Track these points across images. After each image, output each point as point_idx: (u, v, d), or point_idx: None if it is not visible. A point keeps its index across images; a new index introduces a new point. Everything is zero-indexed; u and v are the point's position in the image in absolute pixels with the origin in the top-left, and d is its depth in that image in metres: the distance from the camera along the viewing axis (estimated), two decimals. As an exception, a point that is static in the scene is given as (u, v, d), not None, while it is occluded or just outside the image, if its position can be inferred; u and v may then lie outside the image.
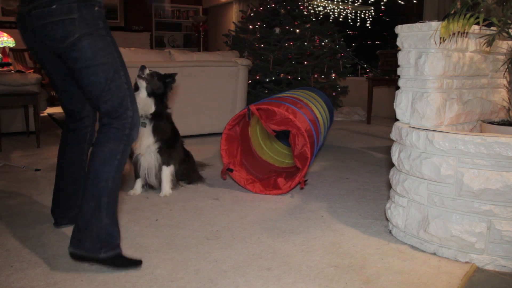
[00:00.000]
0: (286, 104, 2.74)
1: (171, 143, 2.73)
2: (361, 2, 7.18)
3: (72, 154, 2.07)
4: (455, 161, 1.79)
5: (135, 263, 1.76)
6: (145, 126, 2.60)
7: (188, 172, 2.93)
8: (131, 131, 1.74)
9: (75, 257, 1.71)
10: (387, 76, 5.65)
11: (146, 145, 2.64)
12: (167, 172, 2.71)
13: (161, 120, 2.67)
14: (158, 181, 2.74)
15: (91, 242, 1.67)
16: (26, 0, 1.67)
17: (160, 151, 2.68)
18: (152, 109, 2.62)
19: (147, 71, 2.61)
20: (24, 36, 1.78)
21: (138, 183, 2.75)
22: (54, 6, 1.60)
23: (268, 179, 2.88)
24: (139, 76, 2.59)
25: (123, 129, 1.72)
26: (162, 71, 4.19)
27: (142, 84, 2.60)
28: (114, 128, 1.71)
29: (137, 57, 4.21)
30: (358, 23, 7.62)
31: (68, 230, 2.14)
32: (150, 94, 2.61)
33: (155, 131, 2.64)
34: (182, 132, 4.66)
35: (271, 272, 1.74)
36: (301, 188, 2.82)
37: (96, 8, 1.66)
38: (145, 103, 2.60)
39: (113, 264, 1.72)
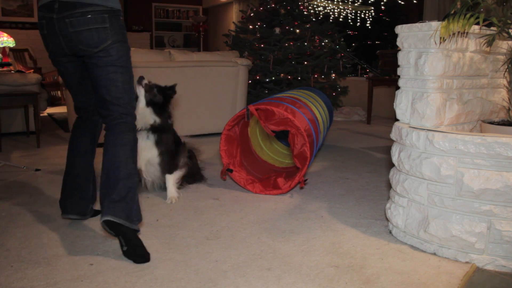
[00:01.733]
0: (285, 104, 2.74)
1: (173, 153, 2.66)
2: (361, 2, 7.18)
3: (84, 142, 2.16)
4: (455, 161, 1.79)
5: (147, 256, 1.86)
6: (147, 139, 2.54)
7: (192, 172, 2.92)
8: (135, 128, 2.00)
9: (111, 224, 1.83)
10: (387, 76, 5.65)
11: (147, 158, 2.59)
12: (172, 180, 2.63)
13: (163, 133, 2.60)
14: (164, 188, 2.69)
15: (129, 213, 1.86)
16: (54, 7, 1.81)
17: (163, 162, 2.61)
18: (151, 120, 2.56)
19: (145, 81, 2.58)
20: (48, 39, 1.92)
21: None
22: (89, 16, 1.79)
23: (268, 179, 2.88)
24: (138, 83, 2.55)
25: (132, 122, 1.96)
26: (162, 71, 4.21)
27: (141, 91, 2.55)
28: (125, 123, 1.93)
29: (137, 57, 4.20)
30: (358, 23, 7.62)
31: (69, 230, 2.14)
32: (148, 103, 2.55)
33: (158, 145, 2.58)
34: (182, 132, 4.64)
35: (271, 272, 1.74)
36: (301, 188, 2.82)
37: (122, 19, 1.90)
38: (144, 113, 2.54)
39: (136, 238, 1.86)
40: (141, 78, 2.58)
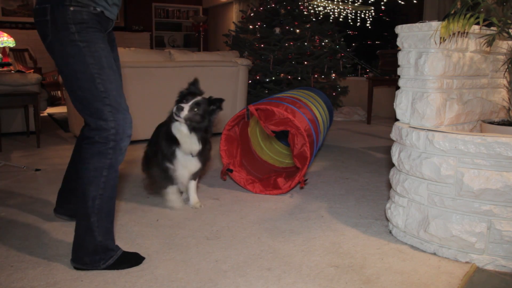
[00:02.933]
0: (285, 104, 2.74)
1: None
2: (361, 2, 7.18)
3: None
4: (455, 161, 1.79)
5: (138, 259, 1.80)
6: (192, 156, 2.37)
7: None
8: (116, 143, 1.64)
9: (79, 269, 1.75)
10: (387, 76, 5.65)
11: (191, 172, 2.44)
12: (194, 184, 2.53)
13: (206, 148, 2.41)
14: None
15: (89, 257, 1.72)
16: None
17: (198, 172, 2.50)
18: (197, 145, 2.31)
19: (184, 113, 2.21)
20: None
21: (176, 194, 2.50)
22: (36, 6, 1.60)
23: (268, 179, 2.88)
24: (176, 115, 2.22)
25: (106, 143, 1.62)
26: (162, 71, 4.21)
27: (181, 122, 2.27)
28: (96, 143, 1.62)
29: (137, 57, 4.21)
30: (358, 23, 7.62)
31: (69, 230, 2.14)
32: (192, 129, 2.28)
33: (202, 160, 2.42)
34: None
35: (271, 272, 1.74)
36: (301, 188, 2.82)
37: (71, 9, 1.54)
38: (187, 139, 2.29)
39: (118, 268, 1.74)
40: (179, 109, 2.20)
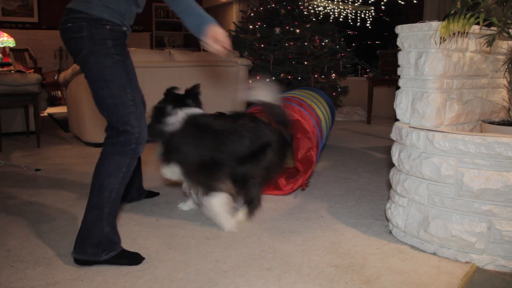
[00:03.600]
0: (294, 106, 2.69)
1: None
2: (361, 2, 7.18)
3: None
4: (455, 161, 1.79)
5: (138, 258, 1.82)
6: None
7: None
8: (137, 146, 1.79)
9: (78, 261, 1.78)
10: (387, 76, 5.66)
11: None
12: None
13: None
14: None
15: (93, 248, 1.76)
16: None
17: None
18: None
19: None
20: None
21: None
22: (69, 24, 1.73)
23: None
24: None
25: (129, 144, 1.77)
26: (162, 71, 4.20)
27: None
28: (120, 142, 1.77)
29: (137, 57, 4.20)
30: (358, 23, 7.62)
31: (69, 230, 2.14)
32: None
33: None
34: (182, 132, 4.61)
35: (271, 272, 1.74)
36: (303, 190, 2.82)
37: (108, 27, 1.73)
38: None
39: (116, 263, 1.78)
40: None
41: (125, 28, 1.83)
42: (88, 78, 1.78)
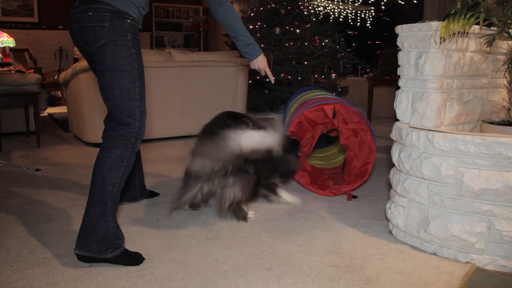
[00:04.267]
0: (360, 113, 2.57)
1: None
2: (361, 2, 7.18)
3: None
4: (455, 161, 1.79)
5: (140, 258, 1.82)
6: None
7: None
8: (136, 140, 1.81)
9: (82, 258, 1.78)
10: (387, 76, 5.66)
11: None
12: None
13: None
14: None
15: (98, 244, 1.75)
16: (75, 6, 1.82)
17: None
18: None
19: None
20: (71, 36, 1.91)
21: None
22: (90, 13, 1.75)
23: (319, 175, 2.84)
24: None
25: (129, 137, 1.79)
26: (162, 71, 4.21)
27: None
28: (120, 135, 1.78)
29: (137, 57, 4.20)
30: (358, 23, 7.62)
31: (69, 230, 2.14)
32: None
33: None
34: (182, 132, 4.65)
35: (271, 272, 1.74)
36: (348, 200, 2.64)
37: (128, 21, 1.80)
38: None
39: (120, 262, 1.78)
40: None
41: (140, 26, 1.91)
42: (100, 66, 1.79)
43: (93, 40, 1.76)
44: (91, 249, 1.75)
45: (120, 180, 1.79)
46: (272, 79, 2.45)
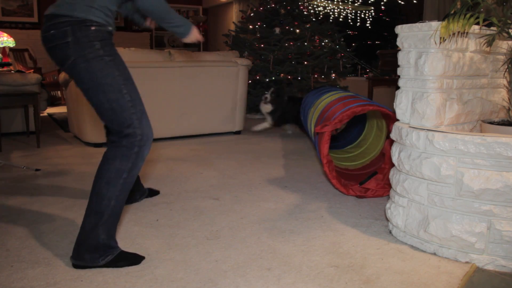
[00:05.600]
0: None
1: None
2: (361, 2, 7.17)
3: None
4: (455, 161, 1.79)
5: (137, 259, 1.81)
6: None
7: None
8: (140, 148, 1.72)
9: (77, 267, 1.77)
10: (387, 76, 5.66)
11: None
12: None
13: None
14: None
15: (90, 254, 1.74)
16: (43, 24, 1.72)
17: None
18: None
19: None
20: None
21: None
22: (52, 31, 1.65)
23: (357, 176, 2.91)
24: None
25: (131, 147, 1.71)
26: (162, 71, 4.21)
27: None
28: (122, 147, 1.71)
29: (137, 57, 4.20)
30: (358, 23, 7.62)
31: (68, 230, 2.14)
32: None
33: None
34: (182, 132, 4.64)
35: (271, 272, 1.74)
36: (358, 197, 2.70)
37: (93, 28, 1.64)
38: None
39: (114, 266, 1.76)
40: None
41: (110, 28, 1.74)
42: (80, 85, 1.70)
43: (62, 60, 1.67)
44: (84, 259, 1.74)
45: (120, 193, 1.73)
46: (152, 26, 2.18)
